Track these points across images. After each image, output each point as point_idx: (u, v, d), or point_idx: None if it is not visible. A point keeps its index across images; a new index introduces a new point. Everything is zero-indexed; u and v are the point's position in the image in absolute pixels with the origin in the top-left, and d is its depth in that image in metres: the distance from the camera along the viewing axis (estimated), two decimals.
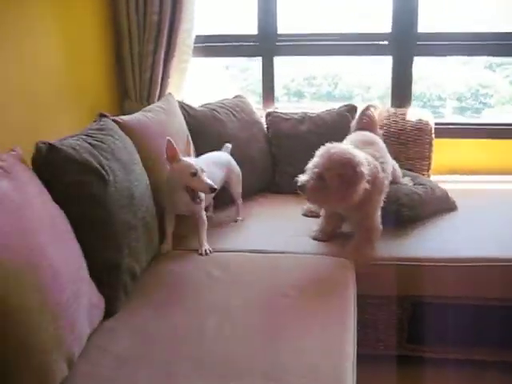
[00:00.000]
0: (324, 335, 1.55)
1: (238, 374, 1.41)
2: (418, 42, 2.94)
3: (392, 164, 2.42)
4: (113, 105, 2.84)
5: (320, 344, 1.51)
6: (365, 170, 1.96)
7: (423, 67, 2.98)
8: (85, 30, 2.57)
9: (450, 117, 3.52)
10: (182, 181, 2.02)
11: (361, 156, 1.99)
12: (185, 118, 2.57)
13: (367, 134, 2.40)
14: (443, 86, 3.55)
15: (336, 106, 2.86)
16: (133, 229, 1.77)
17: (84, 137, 1.76)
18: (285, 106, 3.25)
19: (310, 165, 2.02)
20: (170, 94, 2.63)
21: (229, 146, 2.48)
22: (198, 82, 3.16)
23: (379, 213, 2.17)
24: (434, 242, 2.20)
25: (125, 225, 1.72)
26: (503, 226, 2.30)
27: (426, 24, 2.93)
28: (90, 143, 1.73)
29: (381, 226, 2.16)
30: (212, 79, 3.49)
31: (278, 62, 3.08)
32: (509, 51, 2.97)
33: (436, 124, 2.86)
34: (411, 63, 2.96)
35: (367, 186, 1.97)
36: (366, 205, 2.09)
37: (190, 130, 2.53)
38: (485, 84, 3.52)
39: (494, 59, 3.43)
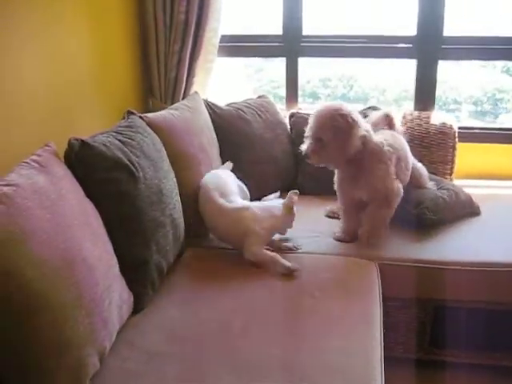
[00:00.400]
0: (351, 337, 1.57)
1: (265, 372, 1.42)
2: (442, 46, 2.92)
3: (415, 164, 2.44)
4: (138, 103, 2.86)
5: (347, 345, 1.52)
6: (356, 118, 2.06)
7: (440, 71, 2.96)
8: (112, 28, 2.59)
9: (466, 121, 3.49)
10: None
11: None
12: (210, 116, 2.58)
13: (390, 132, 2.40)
14: (459, 89, 3.53)
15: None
16: (161, 226, 1.79)
17: (114, 134, 1.79)
18: (308, 106, 3.25)
19: (307, 133, 2.12)
20: (196, 92, 2.65)
21: (230, 164, 2.47)
22: (221, 82, 3.17)
23: (393, 184, 2.16)
24: (458, 245, 2.20)
25: (153, 221, 1.74)
26: None
27: (451, 28, 2.92)
28: (120, 140, 1.75)
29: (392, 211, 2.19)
30: (231, 79, 3.50)
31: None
32: None
33: (459, 128, 2.86)
34: (436, 67, 2.95)
35: (364, 132, 2.07)
36: (369, 176, 2.12)
37: (215, 128, 2.55)
38: (502, 89, 3.50)
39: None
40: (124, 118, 1.98)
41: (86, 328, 1.29)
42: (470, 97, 3.54)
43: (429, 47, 2.93)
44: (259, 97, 2.91)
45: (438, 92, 3.04)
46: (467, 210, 2.47)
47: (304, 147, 2.12)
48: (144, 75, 2.90)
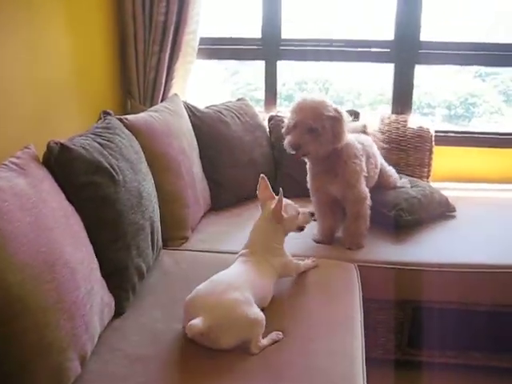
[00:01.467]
0: (333, 338, 1.58)
1: (248, 373, 1.42)
2: (419, 51, 2.97)
3: (383, 165, 2.47)
4: (116, 104, 2.85)
5: (329, 347, 1.53)
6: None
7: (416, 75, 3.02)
8: (91, 27, 2.56)
9: (440, 125, 3.54)
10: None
11: None
12: (190, 119, 2.58)
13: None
14: (433, 94, 3.58)
15: None
16: (141, 229, 1.77)
17: (92, 136, 1.76)
18: (287, 109, 3.26)
19: (291, 123, 2.11)
20: (176, 94, 2.64)
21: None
22: (198, 84, 3.17)
23: (363, 185, 2.20)
24: (434, 247, 2.24)
25: (134, 225, 1.73)
26: (503, 233, 2.34)
27: (428, 33, 2.97)
28: (99, 143, 1.73)
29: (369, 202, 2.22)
30: (209, 82, 3.49)
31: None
32: (509, 61, 3.02)
33: (436, 132, 2.90)
34: (413, 71, 3.00)
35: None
36: (345, 170, 2.15)
37: (195, 131, 2.55)
38: (474, 93, 3.57)
39: (485, 69, 3.48)
40: (100, 119, 1.95)
41: (67, 332, 1.28)
42: (443, 101, 3.60)
43: (406, 52, 2.97)
44: (238, 99, 2.91)
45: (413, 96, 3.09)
46: (443, 209, 2.51)
47: (291, 138, 2.08)
48: (123, 76, 2.88)
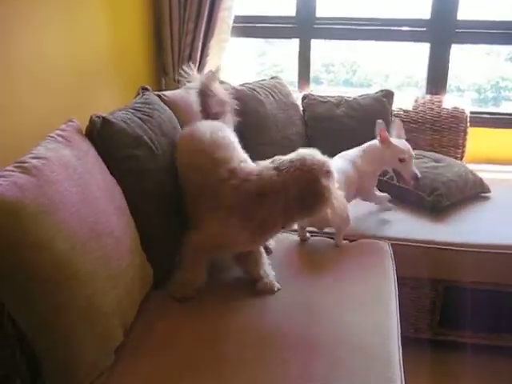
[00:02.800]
0: (368, 314, 1.59)
1: (285, 344, 1.45)
2: (456, 30, 2.93)
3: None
4: (151, 81, 2.88)
5: (364, 322, 1.55)
6: None
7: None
8: (127, 6, 2.59)
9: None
10: (390, 163, 2.17)
11: None
12: None
13: None
14: (463, 77, 3.52)
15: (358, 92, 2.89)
16: (180, 201, 1.80)
17: (132, 111, 1.79)
18: (320, 89, 3.26)
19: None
20: (211, 71, 2.65)
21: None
22: (231, 63, 3.17)
23: None
24: (468, 227, 2.24)
25: (175, 196, 1.76)
26: None
27: (465, 11, 2.92)
28: (139, 117, 1.76)
29: None
30: (239, 61, 3.49)
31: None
32: None
33: (471, 113, 2.87)
34: (449, 50, 2.96)
35: None
36: None
37: None
38: (505, 76, 3.49)
39: None
40: (139, 94, 1.98)
41: (112, 299, 1.32)
42: (473, 84, 3.53)
43: (442, 31, 2.93)
44: (272, 78, 2.91)
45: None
46: (477, 189, 2.50)
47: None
48: (158, 54, 2.91)
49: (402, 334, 2.18)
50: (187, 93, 2.24)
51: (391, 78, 3.65)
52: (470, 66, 3.45)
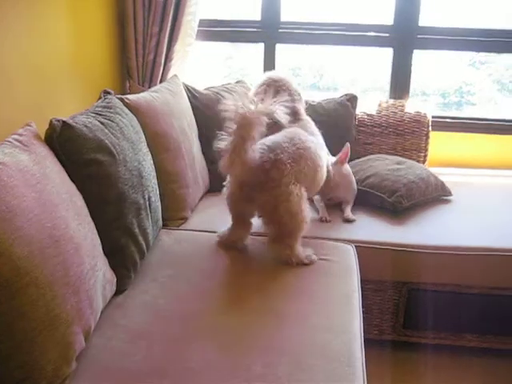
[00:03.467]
0: (332, 316, 1.60)
1: (253, 349, 1.44)
2: (418, 36, 2.98)
3: None
4: (116, 85, 2.84)
5: (328, 324, 1.56)
6: None
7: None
8: (90, 7, 2.55)
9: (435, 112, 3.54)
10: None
11: None
12: (189, 100, 2.59)
13: None
14: (427, 82, 3.57)
15: (324, 96, 2.91)
16: (142, 208, 1.79)
17: (93, 114, 1.76)
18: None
19: None
20: (175, 75, 2.64)
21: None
22: (196, 67, 3.16)
23: None
24: (431, 229, 2.26)
25: (135, 204, 1.74)
26: (497, 217, 2.37)
27: (426, 18, 2.98)
28: (100, 121, 1.73)
29: None
30: (205, 64, 3.47)
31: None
32: (508, 47, 3.03)
33: (433, 117, 2.92)
34: (411, 56, 3.01)
35: None
36: None
37: (194, 112, 2.56)
38: (468, 82, 3.57)
39: (479, 57, 3.48)
40: (100, 98, 1.95)
41: (72, 306, 1.29)
42: (437, 89, 3.60)
43: (405, 36, 2.98)
44: (237, 82, 2.92)
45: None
46: (439, 192, 2.54)
47: None
48: (122, 57, 2.88)
49: (366, 336, 2.22)
50: (151, 96, 2.23)
51: (358, 83, 3.69)
52: (436, 70, 3.51)
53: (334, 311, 1.63)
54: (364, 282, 2.19)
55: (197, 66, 3.26)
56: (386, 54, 3.08)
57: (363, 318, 2.19)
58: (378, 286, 2.24)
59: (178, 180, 2.24)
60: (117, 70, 2.86)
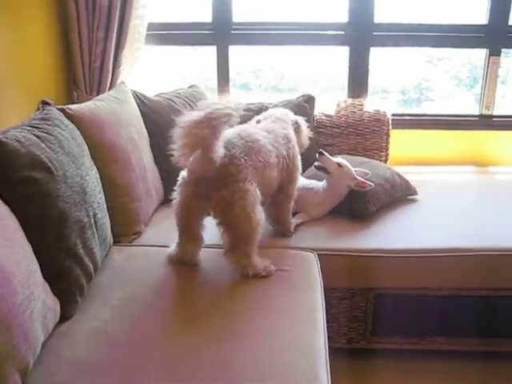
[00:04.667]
0: (292, 333, 1.50)
1: (210, 376, 1.33)
2: (374, 33, 2.92)
3: None
4: (62, 95, 2.70)
5: (288, 343, 1.45)
6: None
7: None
8: (31, 12, 2.41)
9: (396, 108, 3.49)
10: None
11: None
12: (139, 107, 2.47)
13: None
14: (386, 79, 3.52)
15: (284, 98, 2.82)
16: (87, 227, 1.66)
17: (28, 128, 1.61)
18: (240, 97, 3.17)
19: None
20: (123, 82, 2.51)
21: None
22: (149, 72, 3.04)
23: None
24: (396, 232, 2.19)
25: (78, 223, 1.61)
26: (462, 216, 2.31)
27: (382, 15, 2.92)
28: (36, 135, 1.58)
29: None
30: (161, 69, 3.35)
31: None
32: (467, 43, 3.00)
33: (393, 115, 2.86)
34: (368, 53, 2.95)
35: None
36: None
37: (144, 120, 2.44)
38: (427, 78, 3.54)
39: (437, 54, 3.44)
40: (39, 110, 1.81)
41: (3, 344, 1.16)
42: (397, 86, 3.55)
43: (360, 34, 2.92)
44: (190, 87, 2.81)
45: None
46: (404, 192, 2.48)
47: None
48: (68, 65, 2.73)
49: (334, 345, 2.15)
50: (95, 105, 2.10)
51: (319, 83, 3.61)
52: (395, 68, 3.46)
53: (296, 328, 1.52)
54: (330, 290, 2.12)
55: (153, 71, 3.14)
56: (345, 53, 3.00)
57: (330, 327, 2.13)
58: (344, 293, 2.15)
59: (129, 193, 2.12)
60: (62, 78, 2.72)
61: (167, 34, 2.98)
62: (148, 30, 2.80)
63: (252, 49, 3.24)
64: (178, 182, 1.87)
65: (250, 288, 1.74)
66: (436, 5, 3.08)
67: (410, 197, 2.51)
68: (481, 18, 2.95)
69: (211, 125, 1.62)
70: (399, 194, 2.45)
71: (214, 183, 1.76)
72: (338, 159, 2.29)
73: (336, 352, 2.18)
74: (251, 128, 1.94)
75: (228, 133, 1.79)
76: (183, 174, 1.86)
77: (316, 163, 2.27)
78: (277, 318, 1.57)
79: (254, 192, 1.80)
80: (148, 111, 2.48)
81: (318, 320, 1.59)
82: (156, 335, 1.50)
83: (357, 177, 2.25)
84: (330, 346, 2.12)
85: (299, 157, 2.12)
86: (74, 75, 2.71)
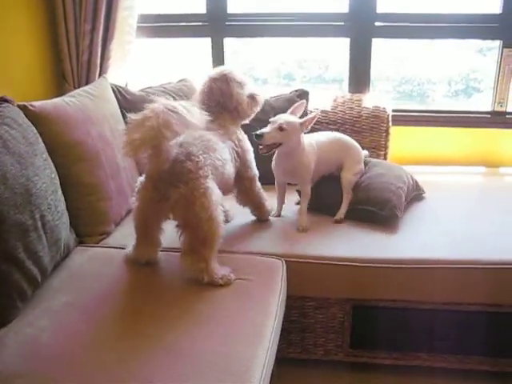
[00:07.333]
0: (230, 354, 1.38)
1: None
2: (376, 23, 2.75)
3: None
4: (49, 90, 2.64)
5: (223, 365, 1.34)
6: None
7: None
8: (15, 7, 2.36)
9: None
10: None
11: None
12: (120, 103, 2.39)
13: None
14: (389, 72, 3.32)
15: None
16: (31, 230, 1.59)
17: None
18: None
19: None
20: (103, 77, 2.45)
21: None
22: (141, 65, 2.96)
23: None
24: (377, 240, 2.03)
25: (19, 226, 1.54)
26: (457, 226, 2.12)
27: (384, 4, 2.73)
28: None
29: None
30: (155, 63, 3.25)
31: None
32: (479, 33, 2.78)
33: (394, 111, 2.69)
34: (370, 45, 2.78)
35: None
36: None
37: (124, 116, 2.35)
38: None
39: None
40: None
41: None
42: (401, 78, 3.34)
43: (362, 25, 2.75)
44: (179, 81, 2.71)
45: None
46: (415, 192, 2.36)
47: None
48: (56, 59, 2.68)
49: (310, 356, 2.04)
50: (63, 101, 2.04)
51: (325, 74, 3.43)
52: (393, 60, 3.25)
53: (236, 347, 1.40)
54: (304, 298, 2.01)
55: (146, 65, 3.06)
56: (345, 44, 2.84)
57: (306, 337, 2.02)
58: (319, 303, 2.02)
59: (97, 192, 2.05)
60: (50, 73, 2.66)
61: (160, 27, 2.89)
62: (140, 23, 2.72)
63: (251, 41, 3.13)
64: (136, 188, 1.80)
65: (202, 297, 1.64)
66: None
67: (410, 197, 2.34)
68: (494, 7, 2.72)
69: (160, 117, 1.58)
70: (411, 195, 2.31)
71: (172, 181, 1.69)
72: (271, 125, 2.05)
73: (312, 363, 2.09)
74: (199, 131, 1.83)
75: (181, 136, 1.73)
76: (140, 179, 1.80)
77: (263, 149, 2.03)
78: (217, 335, 1.45)
79: (216, 191, 1.73)
80: (128, 106, 2.38)
81: (263, 340, 1.45)
82: (87, 347, 1.42)
83: (299, 120, 2.06)
84: (306, 358, 2.04)
85: (245, 137, 2.07)
86: (63, 70, 2.66)
